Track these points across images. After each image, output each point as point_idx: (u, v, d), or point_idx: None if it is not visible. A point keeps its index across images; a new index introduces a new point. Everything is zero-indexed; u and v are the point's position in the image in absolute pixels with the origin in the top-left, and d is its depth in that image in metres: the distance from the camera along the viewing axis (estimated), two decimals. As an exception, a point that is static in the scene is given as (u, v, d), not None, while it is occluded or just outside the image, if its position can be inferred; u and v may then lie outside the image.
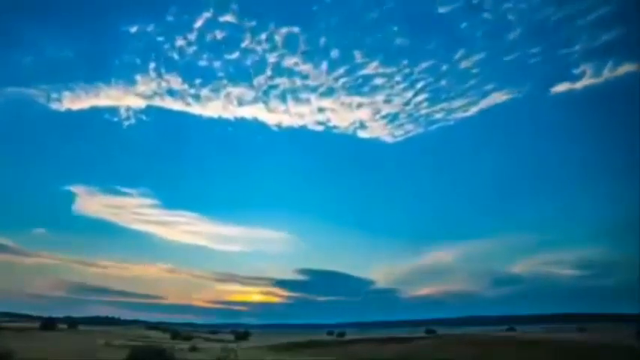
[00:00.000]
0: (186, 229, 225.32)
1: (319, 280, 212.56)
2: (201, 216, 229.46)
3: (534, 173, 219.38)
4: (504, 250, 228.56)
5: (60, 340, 32.79)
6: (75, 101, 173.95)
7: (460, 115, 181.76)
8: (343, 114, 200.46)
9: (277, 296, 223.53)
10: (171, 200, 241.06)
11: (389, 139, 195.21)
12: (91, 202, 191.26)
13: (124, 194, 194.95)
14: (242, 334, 56.65)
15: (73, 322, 64.40)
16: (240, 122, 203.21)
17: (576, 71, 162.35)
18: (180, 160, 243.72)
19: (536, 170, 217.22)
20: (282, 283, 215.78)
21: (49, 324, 50.95)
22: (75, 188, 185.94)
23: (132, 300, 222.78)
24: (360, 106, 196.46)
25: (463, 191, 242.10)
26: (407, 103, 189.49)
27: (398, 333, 55.43)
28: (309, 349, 33.58)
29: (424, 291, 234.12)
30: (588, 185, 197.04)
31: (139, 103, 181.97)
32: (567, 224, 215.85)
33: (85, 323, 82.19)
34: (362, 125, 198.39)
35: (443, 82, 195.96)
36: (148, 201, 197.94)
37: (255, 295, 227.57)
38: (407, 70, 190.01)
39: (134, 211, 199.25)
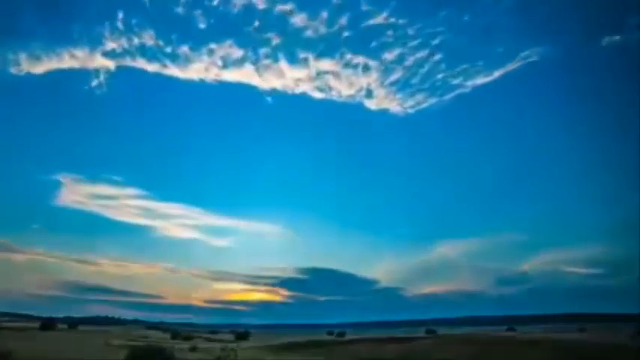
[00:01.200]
0: (179, 222, 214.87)
1: (319, 279, 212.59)
2: (192, 207, 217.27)
3: (552, 158, 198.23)
4: (508, 248, 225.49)
5: (60, 340, 32.77)
6: (35, 64, 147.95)
7: (480, 80, 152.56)
8: (347, 79, 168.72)
9: (277, 295, 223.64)
10: (157, 189, 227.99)
11: (398, 111, 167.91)
12: (78, 194, 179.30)
13: (110, 182, 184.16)
14: (242, 334, 56.55)
15: (73, 322, 64.45)
16: (226, 87, 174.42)
17: (628, 23, 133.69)
18: (161, 139, 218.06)
19: (554, 156, 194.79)
20: (282, 283, 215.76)
21: (49, 324, 50.99)
22: (61, 177, 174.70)
23: (130, 299, 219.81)
24: (366, 69, 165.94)
25: (473, 180, 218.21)
26: (420, 65, 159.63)
27: (398, 333, 55.40)
28: (309, 349, 33.55)
29: (426, 289, 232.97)
30: (598, 183, 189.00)
31: (108, 65, 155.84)
32: (573, 223, 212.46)
33: (85, 323, 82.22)
34: (369, 93, 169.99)
35: (463, 38, 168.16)
36: (135, 191, 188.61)
37: (254, 294, 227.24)
38: (421, 23, 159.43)
39: (124, 203, 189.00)
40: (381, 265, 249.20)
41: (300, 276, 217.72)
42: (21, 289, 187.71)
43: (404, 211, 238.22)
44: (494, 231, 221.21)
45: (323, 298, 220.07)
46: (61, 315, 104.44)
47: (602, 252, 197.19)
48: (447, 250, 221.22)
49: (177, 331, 56.35)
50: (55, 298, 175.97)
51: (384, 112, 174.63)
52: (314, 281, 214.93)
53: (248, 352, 30.59)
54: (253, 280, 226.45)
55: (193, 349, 31.12)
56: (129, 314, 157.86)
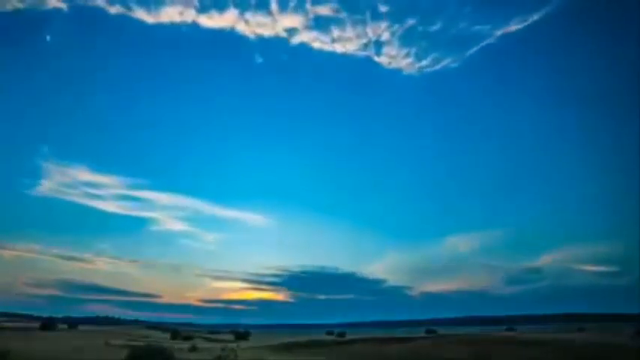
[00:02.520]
0: (173, 214, 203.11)
1: (320, 278, 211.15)
2: (181, 196, 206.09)
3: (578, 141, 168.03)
4: (515, 245, 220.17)
5: (60, 340, 32.77)
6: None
7: (514, 26, 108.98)
8: (352, 28, 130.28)
9: (277, 295, 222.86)
10: (128, 173, 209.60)
11: (412, 70, 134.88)
12: (56, 182, 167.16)
13: (82, 164, 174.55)
14: (242, 334, 56.57)
15: (73, 322, 64.47)
16: (205, 35, 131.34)
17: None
18: (126, 104, 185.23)
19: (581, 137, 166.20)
20: (282, 282, 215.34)
21: (49, 324, 50.99)
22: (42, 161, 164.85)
23: (126, 299, 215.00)
24: (375, 15, 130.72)
25: (491, 162, 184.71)
26: (440, 6, 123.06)
27: (399, 333, 55.39)
28: (309, 349, 33.54)
29: (428, 288, 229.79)
30: (610, 178, 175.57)
31: (61, 6, 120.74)
32: (583, 219, 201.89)
33: (85, 323, 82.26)
34: (378, 46, 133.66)
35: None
36: (108, 178, 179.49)
37: (254, 293, 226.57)
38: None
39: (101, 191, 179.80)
40: (383, 263, 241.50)
41: (300, 274, 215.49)
42: (10, 288, 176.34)
43: (409, 200, 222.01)
44: (501, 225, 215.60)
45: (323, 297, 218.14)
46: (59, 315, 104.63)
47: (614, 249, 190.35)
48: (451, 246, 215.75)
49: (177, 331, 56.31)
50: (48, 297, 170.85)
51: (395, 73, 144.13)
52: (314, 280, 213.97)
53: (248, 352, 30.58)
54: (253, 278, 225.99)
55: (193, 349, 31.10)
56: (123, 313, 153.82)
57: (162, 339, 45.32)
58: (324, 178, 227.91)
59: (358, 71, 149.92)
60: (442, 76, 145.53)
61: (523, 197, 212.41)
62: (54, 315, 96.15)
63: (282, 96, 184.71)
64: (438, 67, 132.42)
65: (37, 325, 53.56)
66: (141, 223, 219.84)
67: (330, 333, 63.55)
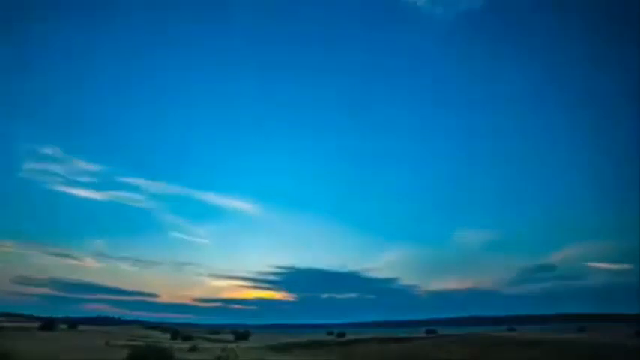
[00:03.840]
0: (175, 210, 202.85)
1: (320, 277, 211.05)
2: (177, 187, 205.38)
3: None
4: (522, 242, 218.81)
5: (60, 340, 32.78)
6: None
7: None
8: None
9: (277, 294, 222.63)
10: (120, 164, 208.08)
11: (433, 11, 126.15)
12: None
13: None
14: (242, 334, 56.58)
15: (73, 322, 64.50)
16: None
17: None
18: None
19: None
20: (282, 281, 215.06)
21: (49, 324, 50.96)
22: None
23: (125, 298, 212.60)
24: None
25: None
26: None
27: (399, 333, 55.40)
28: (309, 349, 33.55)
29: (429, 287, 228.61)
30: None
31: None
32: (591, 217, 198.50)
33: (85, 323, 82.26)
34: None
35: None
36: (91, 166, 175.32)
37: (254, 292, 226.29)
38: None
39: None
40: (385, 262, 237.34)
41: (301, 273, 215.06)
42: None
43: (413, 198, 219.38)
44: (503, 224, 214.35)
45: (325, 296, 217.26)
46: (59, 314, 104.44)
47: (617, 248, 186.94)
48: (453, 245, 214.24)
49: (177, 331, 56.32)
50: (41, 296, 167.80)
51: (413, 11, 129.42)
52: (316, 279, 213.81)
53: (248, 352, 30.59)
54: (253, 277, 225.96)
55: (193, 349, 31.11)
56: (123, 313, 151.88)
57: (163, 339, 45.32)
58: (325, 175, 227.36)
59: (368, 11, 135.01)
60: (464, 19, 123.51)
61: (525, 196, 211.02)
62: (52, 315, 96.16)
63: (278, 52, 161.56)
64: (461, 6, 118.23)
65: (37, 325, 53.58)
66: (138, 219, 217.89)
67: (330, 333, 63.57)
